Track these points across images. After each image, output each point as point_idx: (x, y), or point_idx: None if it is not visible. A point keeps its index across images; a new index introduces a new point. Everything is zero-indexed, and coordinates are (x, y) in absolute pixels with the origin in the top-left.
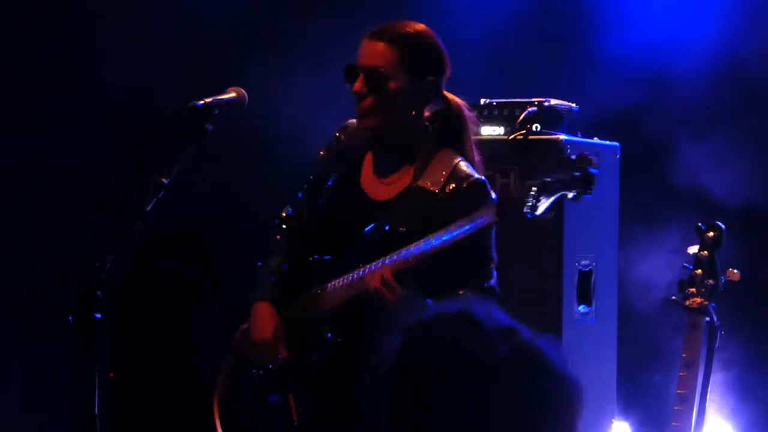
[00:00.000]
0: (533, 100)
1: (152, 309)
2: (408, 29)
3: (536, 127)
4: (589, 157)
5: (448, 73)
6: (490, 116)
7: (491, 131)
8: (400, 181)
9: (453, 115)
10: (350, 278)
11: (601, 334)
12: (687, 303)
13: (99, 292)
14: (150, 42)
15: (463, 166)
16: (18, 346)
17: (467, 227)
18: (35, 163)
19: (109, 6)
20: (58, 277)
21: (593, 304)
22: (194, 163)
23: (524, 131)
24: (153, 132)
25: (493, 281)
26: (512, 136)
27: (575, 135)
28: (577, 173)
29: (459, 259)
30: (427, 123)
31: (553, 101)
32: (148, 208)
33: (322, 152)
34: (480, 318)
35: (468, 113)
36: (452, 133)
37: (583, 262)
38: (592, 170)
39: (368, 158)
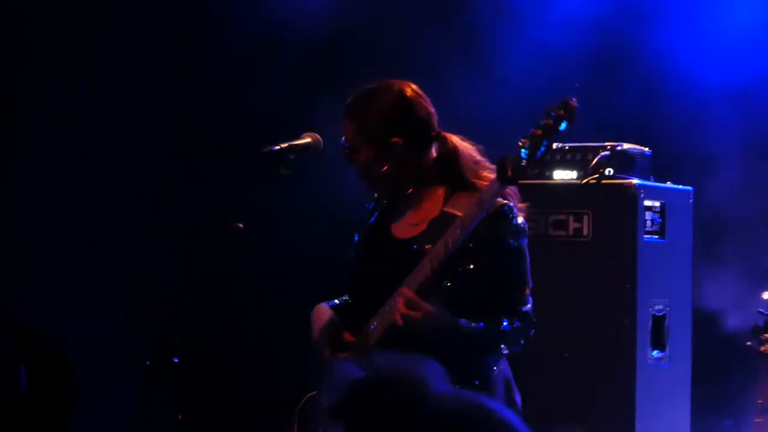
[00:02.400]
0: (606, 144)
1: (221, 352)
2: (362, 97)
3: (609, 172)
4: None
5: (426, 118)
6: (562, 160)
7: (564, 175)
8: (426, 218)
9: (449, 152)
10: (387, 308)
11: (674, 378)
12: (762, 348)
13: (175, 337)
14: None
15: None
16: (93, 388)
17: (475, 214)
18: (95, 208)
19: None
20: (133, 322)
21: (667, 349)
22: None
23: (597, 175)
24: (229, 176)
25: (528, 307)
26: (585, 180)
27: (648, 179)
28: (554, 112)
29: (494, 282)
30: (434, 165)
31: (626, 145)
32: (225, 250)
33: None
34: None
35: (462, 146)
36: (453, 169)
37: (656, 307)
38: (571, 102)
39: (400, 206)
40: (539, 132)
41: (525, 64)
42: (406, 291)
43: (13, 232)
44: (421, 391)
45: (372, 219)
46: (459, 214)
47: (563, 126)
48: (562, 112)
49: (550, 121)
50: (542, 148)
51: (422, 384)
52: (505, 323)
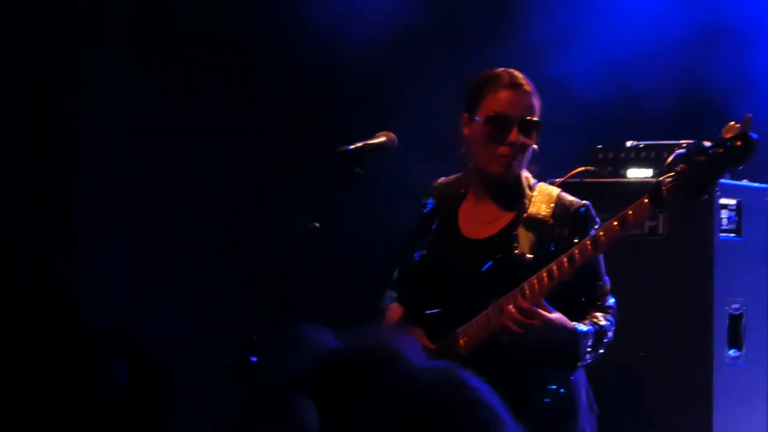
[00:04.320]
0: (681, 142)
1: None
2: (529, 80)
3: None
4: (739, 122)
5: None
6: (637, 159)
7: (639, 173)
8: (502, 217)
9: None
10: (485, 317)
11: (751, 377)
12: None
13: (255, 338)
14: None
15: (565, 194)
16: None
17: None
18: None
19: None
20: (214, 323)
21: (744, 348)
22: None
23: (673, 174)
24: (303, 176)
25: (613, 301)
26: (660, 179)
27: (724, 177)
28: (729, 142)
29: (582, 281)
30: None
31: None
32: (303, 251)
33: (415, 218)
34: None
35: None
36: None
37: (733, 306)
38: (752, 134)
39: (465, 206)
40: (702, 159)
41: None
42: (521, 301)
43: (107, 238)
44: (392, 360)
45: (431, 216)
46: (545, 217)
47: (738, 162)
48: (739, 143)
49: (721, 150)
50: (711, 187)
51: (395, 354)
52: (603, 320)
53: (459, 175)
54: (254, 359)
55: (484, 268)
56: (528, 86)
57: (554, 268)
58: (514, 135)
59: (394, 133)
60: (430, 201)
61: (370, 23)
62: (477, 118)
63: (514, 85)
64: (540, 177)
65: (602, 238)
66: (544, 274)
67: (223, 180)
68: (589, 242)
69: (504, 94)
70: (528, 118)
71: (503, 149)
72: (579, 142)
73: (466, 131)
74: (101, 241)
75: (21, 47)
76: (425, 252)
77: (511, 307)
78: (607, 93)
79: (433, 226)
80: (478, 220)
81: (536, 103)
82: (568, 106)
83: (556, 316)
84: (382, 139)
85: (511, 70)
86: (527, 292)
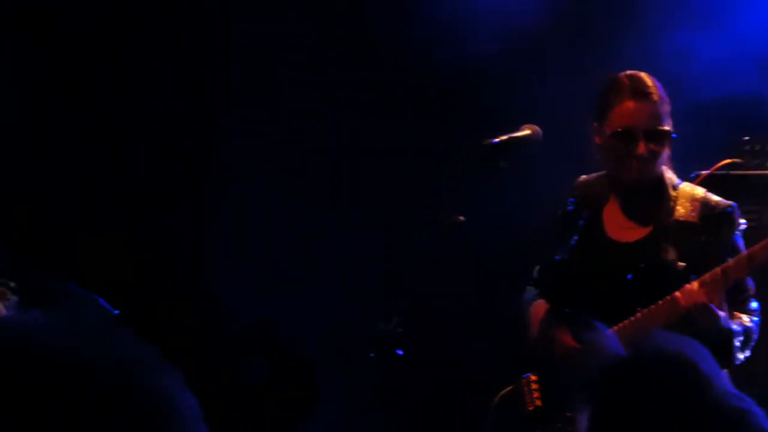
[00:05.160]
0: None
1: (441, 346)
2: (657, 83)
3: None
4: None
5: None
6: (762, 151)
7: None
8: (648, 219)
9: None
10: (634, 322)
11: None
12: None
13: (400, 330)
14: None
15: (710, 194)
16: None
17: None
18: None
19: None
20: (356, 316)
21: None
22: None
23: None
24: (445, 169)
25: (756, 305)
26: None
27: None
28: None
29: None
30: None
31: None
32: (444, 244)
33: (558, 212)
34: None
35: None
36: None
37: None
38: None
39: (608, 207)
40: None
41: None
42: (698, 292)
43: (252, 233)
44: (698, 376)
45: (574, 215)
46: (692, 220)
47: None
48: None
49: None
50: None
51: (698, 369)
52: (749, 322)
53: (601, 174)
54: (400, 353)
55: (633, 274)
56: (654, 92)
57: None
58: (642, 147)
59: (539, 126)
60: (572, 200)
61: (518, 13)
62: (605, 129)
63: (639, 93)
64: (686, 169)
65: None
66: (722, 274)
67: (367, 173)
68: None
69: (629, 105)
70: (655, 128)
71: (632, 161)
72: (724, 133)
73: (597, 140)
74: (246, 235)
75: (181, 52)
76: (569, 252)
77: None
78: (753, 81)
79: (578, 225)
80: (623, 222)
81: (664, 109)
82: (715, 95)
83: (723, 314)
84: (527, 132)
85: (637, 75)
86: (704, 288)
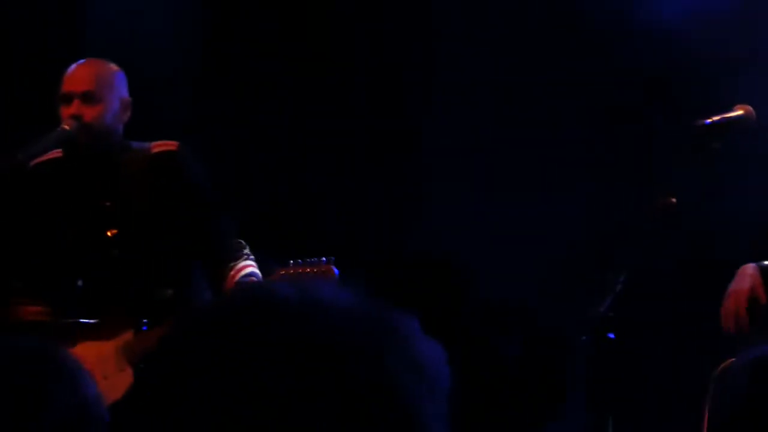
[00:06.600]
0: None
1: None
2: None
3: None
4: None
5: None
6: None
7: None
8: None
9: None
10: None
11: None
12: None
13: (611, 314)
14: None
15: None
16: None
17: None
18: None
19: None
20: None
21: None
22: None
23: None
24: (651, 150)
25: None
26: None
27: None
28: None
29: None
30: None
31: None
32: (656, 228)
33: None
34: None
35: None
36: None
37: None
38: None
39: None
40: None
41: None
42: None
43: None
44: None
45: None
46: None
47: None
48: None
49: None
50: None
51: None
52: None
53: None
54: (611, 336)
55: None
56: None
57: None
58: None
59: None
60: None
61: None
62: None
63: None
64: None
65: None
66: None
67: (582, 153)
68: None
69: None
70: None
71: None
72: None
73: None
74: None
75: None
76: None
77: None
78: None
79: None
80: None
81: None
82: None
83: None
84: (740, 112)
85: None
86: None
